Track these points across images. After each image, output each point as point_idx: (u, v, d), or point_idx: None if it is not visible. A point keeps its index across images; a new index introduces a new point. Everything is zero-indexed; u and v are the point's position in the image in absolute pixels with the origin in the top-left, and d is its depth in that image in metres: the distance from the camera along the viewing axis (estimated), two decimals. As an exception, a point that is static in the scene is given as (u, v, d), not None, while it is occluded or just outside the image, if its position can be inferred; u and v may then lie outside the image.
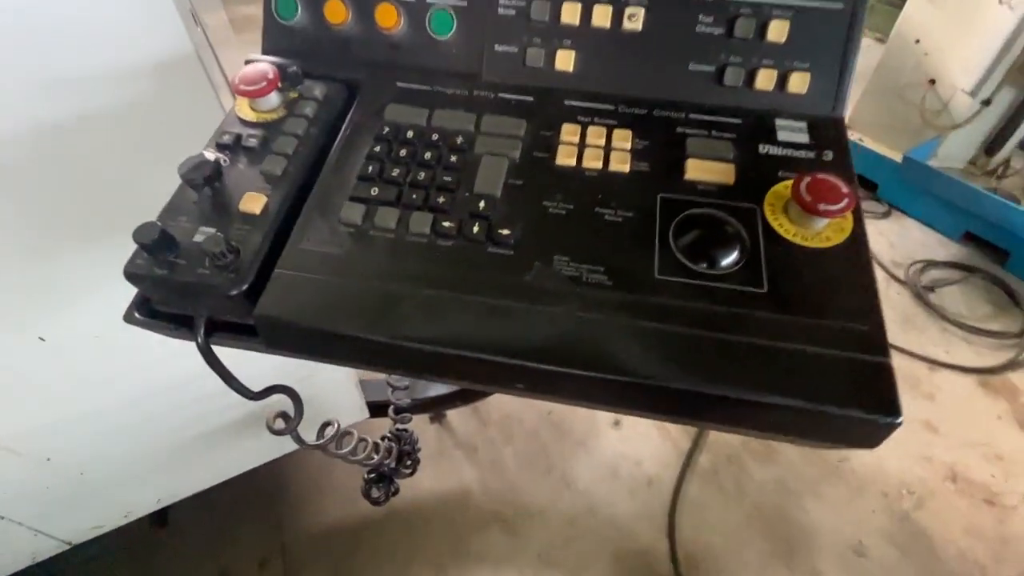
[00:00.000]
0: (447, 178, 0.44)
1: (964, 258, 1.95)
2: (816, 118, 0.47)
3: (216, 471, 1.11)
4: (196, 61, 0.65)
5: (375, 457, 0.79)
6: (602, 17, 0.48)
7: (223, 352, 0.43)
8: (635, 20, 0.48)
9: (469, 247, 0.41)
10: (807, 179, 0.40)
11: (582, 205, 0.43)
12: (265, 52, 0.55)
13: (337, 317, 0.38)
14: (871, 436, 0.35)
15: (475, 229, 0.41)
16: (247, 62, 0.54)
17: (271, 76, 0.48)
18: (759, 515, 1.31)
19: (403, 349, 0.37)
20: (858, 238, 0.40)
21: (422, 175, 0.44)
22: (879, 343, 0.36)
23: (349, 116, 0.49)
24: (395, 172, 0.45)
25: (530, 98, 0.50)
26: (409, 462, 0.93)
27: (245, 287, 0.39)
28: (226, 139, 0.47)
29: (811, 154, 0.45)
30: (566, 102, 0.49)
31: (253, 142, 0.46)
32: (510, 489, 1.36)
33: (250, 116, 0.49)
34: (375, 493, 0.87)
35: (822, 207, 0.39)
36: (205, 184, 0.43)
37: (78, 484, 0.95)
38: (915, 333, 1.76)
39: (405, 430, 0.93)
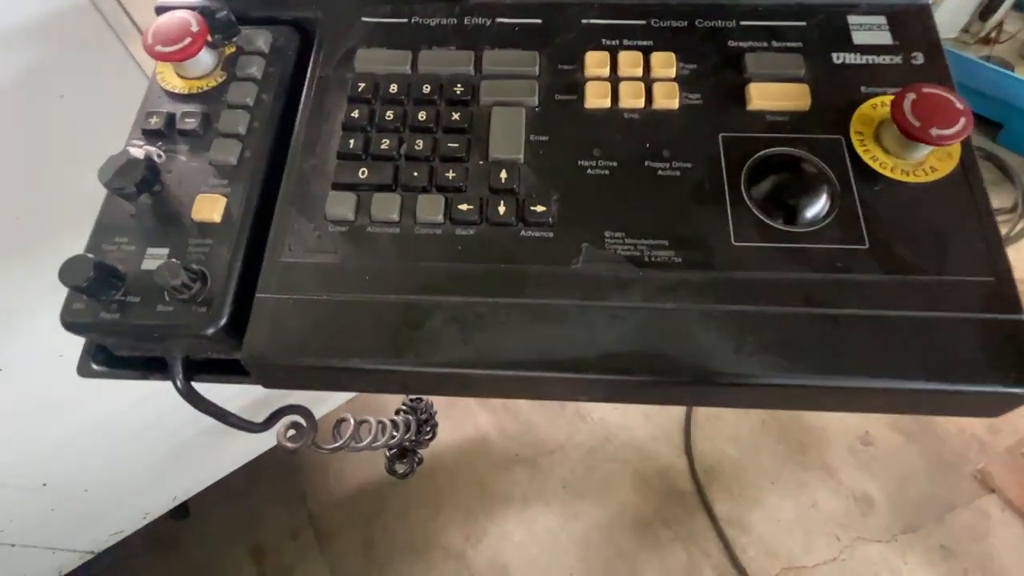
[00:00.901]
0: (453, 144, 0.34)
1: (956, 135, 1.89)
2: (895, 8, 0.38)
3: (228, 460, 1.06)
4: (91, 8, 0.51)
5: (396, 436, 0.75)
6: None
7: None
8: None
9: (497, 233, 0.32)
10: (911, 96, 0.32)
11: (628, 159, 0.34)
12: (179, -10, 0.42)
13: (349, 348, 0.30)
14: (1002, 406, 0.30)
15: (501, 209, 0.33)
16: (158, 9, 0.41)
17: (196, 28, 0.36)
18: (771, 421, 1.34)
19: (438, 375, 0.30)
20: (969, 166, 0.33)
21: (420, 143, 0.34)
22: (1010, 297, 0.30)
23: (309, 71, 0.38)
24: (384, 143, 0.35)
25: (537, 20, 0.39)
26: (428, 428, 0.89)
27: (222, 323, 0.31)
28: (154, 123, 0.36)
29: (897, 59, 0.36)
30: (583, 20, 0.39)
31: (191, 123, 0.35)
32: (527, 430, 1.36)
33: (179, 86, 0.37)
34: (400, 468, 0.84)
35: (935, 132, 0.31)
36: (140, 191, 0.33)
37: (84, 501, 0.90)
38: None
39: (419, 398, 0.88)
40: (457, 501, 1.28)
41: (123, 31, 0.57)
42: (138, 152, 0.33)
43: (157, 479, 0.98)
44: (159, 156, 0.34)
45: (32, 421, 0.76)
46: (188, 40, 0.35)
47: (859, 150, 0.34)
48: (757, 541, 1.20)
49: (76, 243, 0.33)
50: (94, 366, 0.34)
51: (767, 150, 0.34)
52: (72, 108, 0.56)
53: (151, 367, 0.34)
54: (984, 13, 1.90)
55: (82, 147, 0.58)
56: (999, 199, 1.77)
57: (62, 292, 0.32)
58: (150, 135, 0.36)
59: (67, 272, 0.29)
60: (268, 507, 1.29)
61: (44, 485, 0.82)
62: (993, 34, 1.93)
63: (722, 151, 0.34)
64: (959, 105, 0.31)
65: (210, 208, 0.33)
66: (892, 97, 0.35)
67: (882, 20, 0.38)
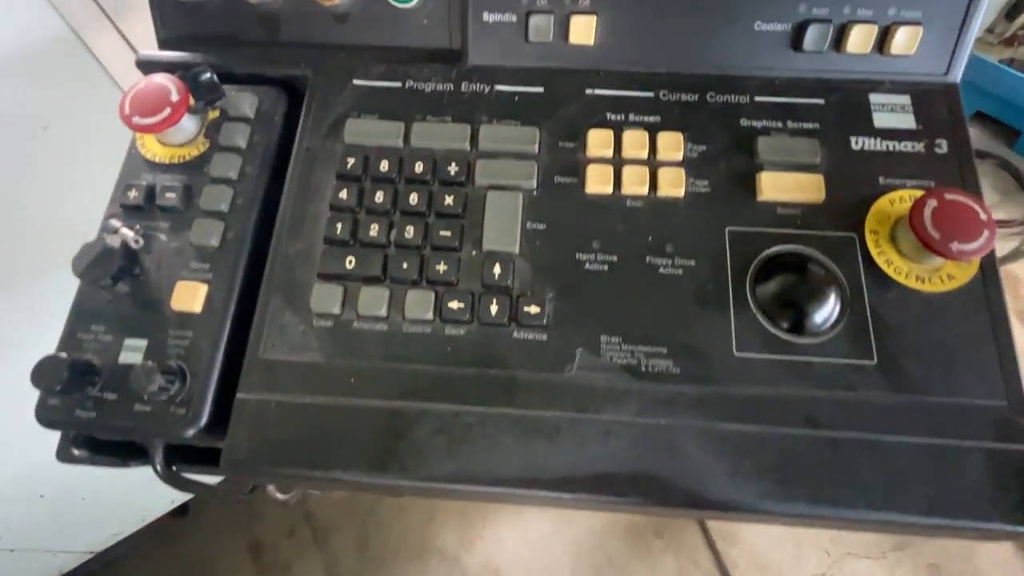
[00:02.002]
0: (445, 231, 0.33)
1: (973, 140, 1.84)
2: (921, 86, 0.36)
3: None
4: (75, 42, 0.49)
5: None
6: (634, -37, 0.34)
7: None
8: (682, -36, 0.33)
9: (489, 334, 0.31)
10: (932, 203, 0.30)
11: (628, 253, 0.32)
12: (162, 44, 0.40)
13: (331, 459, 0.29)
14: (1007, 538, 0.29)
15: (493, 308, 0.31)
16: (139, 65, 0.39)
17: (176, 97, 0.33)
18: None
19: (424, 489, 0.29)
20: (989, 275, 0.31)
21: (411, 230, 0.33)
22: (1021, 426, 0.28)
23: (297, 141, 0.36)
24: (374, 229, 0.33)
25: (539, 88, 0.36)
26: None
27: (202, 424, 0.30)
28: (133, 197, 0.34)
29: (920, 146, 0.34)
30: (588, 91, 0.36)
31: (172, 198, 0.34)
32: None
33: (159, 154, 0.36)
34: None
35: (956, 247, 0.29)
36: (116, 281, 0.31)
37: (81, 507, 0.91)
38: (920, 229, 1.71)
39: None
40: (452, 505, 1.29)
41: (108, 60, 0.54)
42: (114, 239, 0.31)
43: (154, 483, 0.99)
44: (136, 242, 0.32)
45: (28, 435, 0.76)
46: (167, 111, 0.33)
47: (873, 252, 0.32)
48: (747, 553, 1.21)
49: (62, 276, 0.31)
50: (74, 451, 0.33)
51: (775, 248, 0.32)
52: (57, 140, 0.55)
53: (132, 454, 0.34)
54: (1011, 12, 1.83)
55: (68, 178, 0.56)
56: (1012, 210, 1.73)
57: (49, 322, 0.31)
58: (129, 211, 0.34)
59: (40, 375, 0.28)
60: (266, 504, 1.31)
61: (42, 496, 0.83)
62: (1020, 33, 1.86)
63: (728, 247, 0.32)
64: (983, 216, 0.30)
65: (190, 297, 0.32)
66: (911, 192, 0.33)
67: (906, 100, 0.35)
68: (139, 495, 0.99)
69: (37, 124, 0.53)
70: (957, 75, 0.36)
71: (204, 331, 0.31)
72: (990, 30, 1.93)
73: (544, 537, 1.27)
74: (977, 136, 1.87)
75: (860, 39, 0.35)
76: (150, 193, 0.34)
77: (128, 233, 0.32)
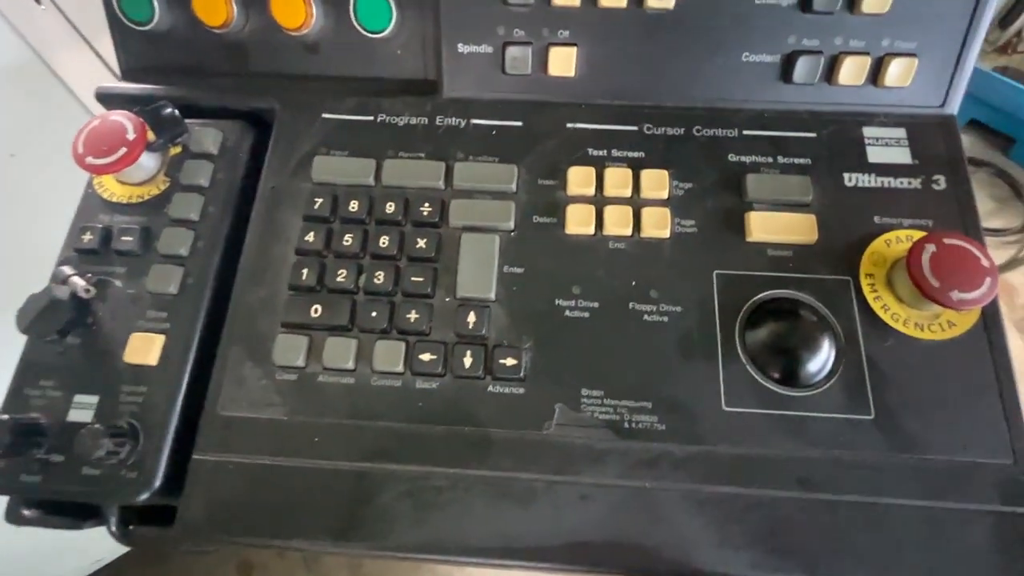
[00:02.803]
0: (417, 277, 0.31)
1: (968, 148, 1.83)
2: (917, 119, 0.34)
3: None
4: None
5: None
6: (615, -7, 0.32)
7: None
8: (665, -6, 0.32)
9: (462, 387, 0.29)
10: (930, 249, 0.28)
11: (611, 299, 0.31)
12: (124, 73, 0.38)
13: (292, 527, 0.27)
14: (1013, 606, 0.27)
15: (467, 360, 0.29)
16: (98, 98, 0.37)
17: (132, 135, 0.32)
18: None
19: (390, 556, 0.27)
20: (991, 322, 0.29)
21: (380, 275, 0.31)
22: (1029, 486, 0.27)
23: (262, 179, 0.34)
24: (341, 275, 0.31)
25: (517, 122, 0.35)
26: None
27: (155, 487, 0.28)
28: (87, 241, 0.32)
29: (916, 183, 0.33)
30: (569, 124, 0.35)
31: (129, 241, 0.32)
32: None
33: (117, 194, 0.34)
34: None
35: (956, 296, 0.27)
36: (65, 334, 0.29)
37: (63, 534, 0.88)
38: (917, 237, 1.69)
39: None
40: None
41: (75, 85, 0.53)
42: (62, 291, 0.29)
43: (139, 508, 0.97)
44: (88, 291, 0.30)
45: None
46: (123, 151, 0.31)
47: (869, 297, 0.30)
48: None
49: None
50: (24, 512, 0.31)
51: (765, 293, 0.30)
52: (25, 167, 0.53)
53: (86, 514, 0.32)
54: (1004, 21, 1.82)
55: (36, 205, 0.54)
56: (1007, 218, 1.72)
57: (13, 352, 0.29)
58: (84, 255, 0.32)
59: (-22, 439, 0.26)
60: (255, 526, 1.28)
61: (19, 526, 0.81)
62: (1013, 42, 1.86)
63: (716, 292, 0.31)
64: (984, 262, 0.28)
65: (146, 349, 0.30)
66: (908, 232, 0.31)
67: (901, 133, 0.34)
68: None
69: (3, 151, 0.52)
70: (954, 107, 0.34)
71: (159, 386, 0.29)
72: (985, 39, 1.92)
73: (539, 556, 1.24)
74: (972, 144, 1.86)
75: (853, 71, 0.33)
76: (106, 236, 0.32)
77: (78, 283, 0.30)
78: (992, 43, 1.93)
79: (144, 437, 0.28)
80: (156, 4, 0.35)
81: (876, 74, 0.33)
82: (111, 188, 0.34)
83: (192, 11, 0.35)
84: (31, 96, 0.51)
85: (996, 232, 1.66)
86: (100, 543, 0.98)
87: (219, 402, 0.29)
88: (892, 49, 0.33)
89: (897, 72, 0.33)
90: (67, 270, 0.30)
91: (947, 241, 0.28)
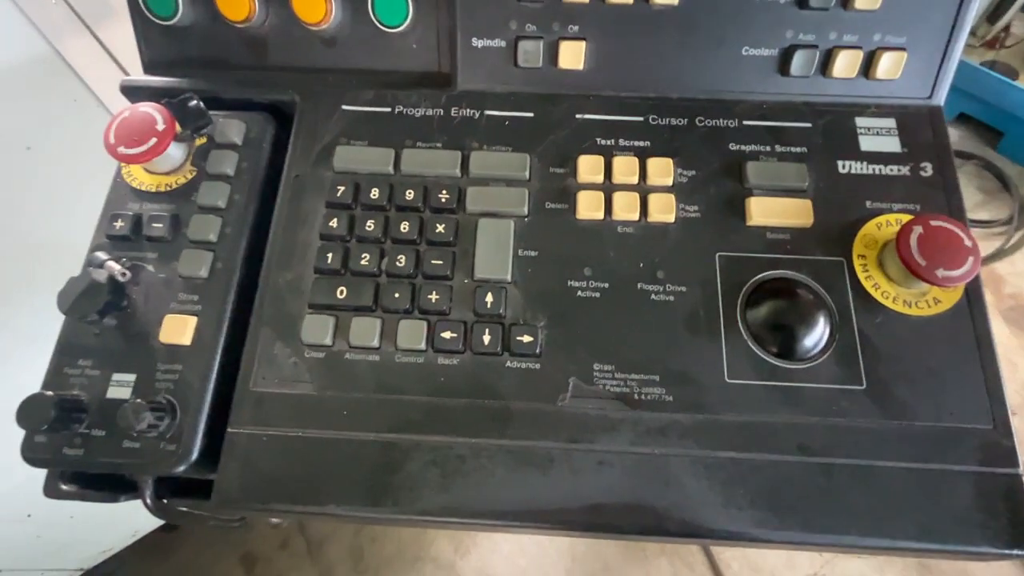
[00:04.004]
0: (437, 260, 0.33)
1: (957, 142, 1.87)
2: (907, 109, 0.36)
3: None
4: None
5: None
6: (623, -10, 0.34)
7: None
8: (670, -9, 0.34)
9: (481, 363, 0.31)
10: (918, 230, 0.30)
11: (620, 280, 0.33)
12: (147, 67, 0.40)
13: (324, 494, 0.29)
14: (997, 559, 0.29)
15: (486, 337, 0.31)
16: (123, 91, 0.38)
17: (162, 127, 0.33)
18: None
19: (418, 522, 0.29)
20: (974, 298, 0.32)
21: (402, 258, 0.33)
22: (1007, 448, 0.29)
23: (286, 168, 0.36)
24: (364, 258, 0.33)
25: (529, 113, 0.37)
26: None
27: (192, 460, 0.29)
28: (119, 228, 0.33)
29: (905, 170, 0.35)
30: (578, 115, 0.36)
31: (159, 228, 0.33)
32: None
33: (146, 183, 0.35)
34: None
35: (941, 273, 0.29)
36: (103, 315, 0.31)
37: (70, 525, 0.90)
38: (906, 230, 1.73)
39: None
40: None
41: (90, 78, 0.54)
42: (100, 274, 0.31)
43: (144, 499, 0.98)
44: (123, 275, 0.32)
45: (13, 455, 0.75)
46: (154, 140, 0.33)
47: (860, 276, 0.32)
48: (741, 556, 1.22)
49: (49, 295, 0.31)
50: (63, 486, 0.33)
51: (764, 274, 0.32)
52: (41, 159, 0.54)
53: (122, 487, 0.33)
54: (992, 15, 1.85)
55: (54, 196, 0.55)
56: (996, 210, 1.76)
57: (36, 340, 0.30)
58: (116, 241, 0.33)
59: (25, 414, 0.28)
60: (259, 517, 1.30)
61: (29, 516, 0.82)
62: (1001, 37, 1.89)
63: (719, 273, 0.33)
64: (967, 242, 0.30)
65: (179, 330, 0.31)
66: (897, 216, 0.33)
67: (891, 123, 0.36)
68: (129, 511, 0.98)
69: (19, 144, 0.52)
70: (941, 98, 0.36)
71: (193, 365, 0.31)
72: (972, 32, 1.96)
73: (539, 543, 1.27)
74: (960, 137, 1.90)
75: (846, 64, 0.35)
76: (136, 223, 0.34)
77: (115, 266, 0.31)
78: (980, 38, 1.96)
79: (180, 412, 0.30)
80: (180, 1, 0.37)
81: (868, 67, 0.35)
82: (140, 177, 0.35)
83: (215, 6, 0.36)
84: (46, 89, 0.52)
85: (984, 224, 1.70)
86: (105, 534, 0.99)
87: (252, 379, 0.31)
88: (883, 44, 0.35)
89: (888, 65, 0.35)
90: (102, 255, 0.32)
91: (933, 223, 0.30)
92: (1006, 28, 1.87)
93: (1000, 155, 1.85)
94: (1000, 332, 1.53)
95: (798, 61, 0.35)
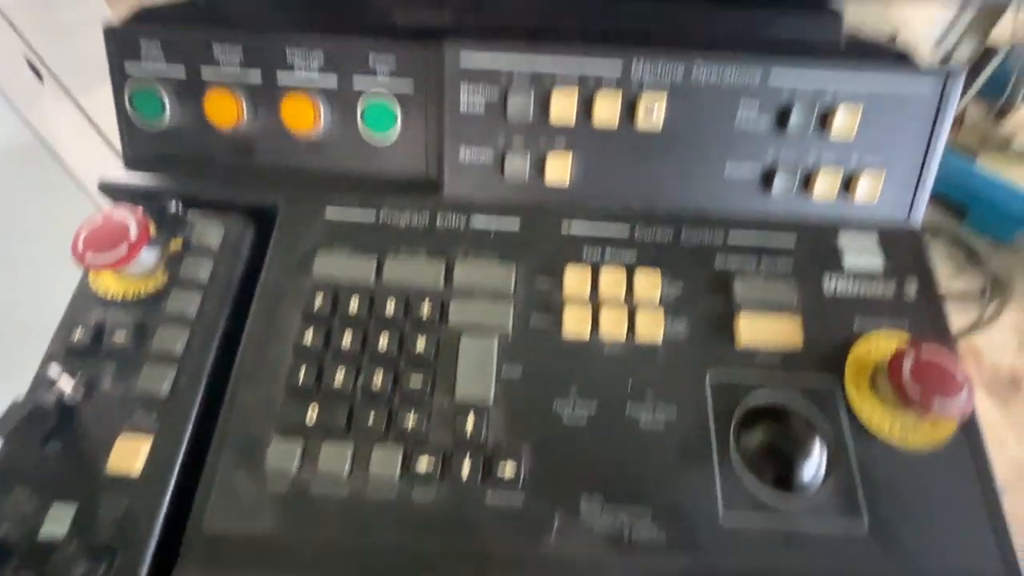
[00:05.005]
0: (415, 380, 0.31)
1: (924, 217, 1.95)
2: (887, 229, 0.37)
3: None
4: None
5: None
6: (608, 112, 0.35)
7: None
8: (654, 115, 0.34)
9: (459, 499, 0.29)
10: (908, 362, 0.30)
11: (608, 404, 0.31)
12: (128, 162, 0.39)
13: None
14: None
15: (465, 468, 0.29)
16: (102, 189, 0.38)
17: (135, 233, 0.32)
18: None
19: None
20: (971, 428, 0.31)
21: (379, 378, 0.31)
22: (1018, 597, 0.27)
23: (263, 274, 0.34)
24: (339, 377, 0.31)
25: (515, 223, 0.36)
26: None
27: (130, 615, 0.26)
28: (78, 338, 0.31)
29: (890, 289, 0.35)
30: (564, 226, 0.36)
31: (121, 339, 0.31)
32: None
33: (112, 289, 0.33)
34: None
35: (936, 404, 0.29)
36: (47, 441, 0.28)
37: None
38: (884, 302, 1.76)
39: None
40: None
41: (74, 166, 0.53)
42: (47, 397, 0.28)
43: None
44: (74, 395, 0.29)
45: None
46: (124, 248, 0.31)
47: (855, 404, 0.31)
48: None
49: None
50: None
51: (756, 399, 0.31)
52: (18, 243, 0.52)
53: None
54: (948, 103, 1.99)
55: (30, 278, 0.53)
56: (966, 282, 1.80)
57: None
58: (72, 353, 0.31)
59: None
60: None
61: None
62: (958, 122, 2.02)
63: (710, 397, 0.31)
64: (959, 376, 0.29)
65: (130, 456, 0.29)
66: (887, 336, 0.33)
67: (874, 241, 0.36)
68: None
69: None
70: (918, 220, 0.37)
71: (143, 496, 0.28)
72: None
73: None
74: (929, 212, 1.98)
75: (826, 186, 0.36)
76: (98, 333, 0.32)
77: (66, 386, 0.29)
78: (938, 123, 2.09)
79: (123, 553, 0.27)
80: (167, 104, 0.37)
81: (847, 189, 0.36)
82: (107, 282, 0.34)
83: (202, 111, 0.36)
84: (25, 174, 0.51)
85: (958, 296, 1.74)
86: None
87: (206, 516, 0.28)
88: (860, 169, 0.36)
89: (866, 188, 0.36)
90: (54, 371, 0.30)
91: (924, 353, 0.30)
92: (962, 113, 2.01)
93: (968, 229, 1.93)
94: (985, 407, 1.53)
95: (779, 182, 0.36)
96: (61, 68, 0.55)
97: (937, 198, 2.09)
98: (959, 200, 2.06)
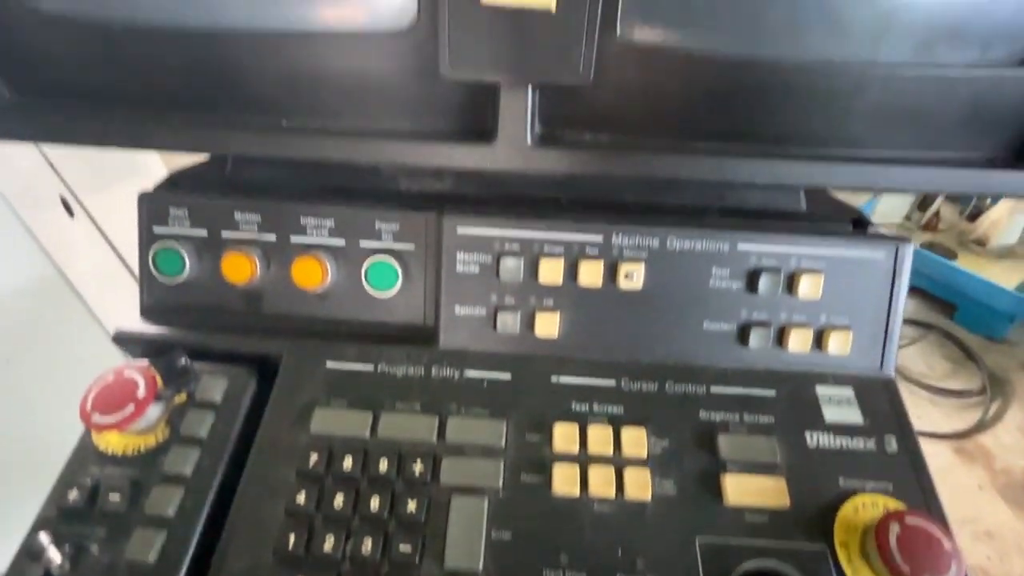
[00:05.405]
0: (405, 545, 0.31)
1: (914, 312, 1.98)
2: (862, 380, 0.38)
3: None
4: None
5: None
6: (592, 276, 0.38)
7: None
8: (633, 279, 0.38)
9: None
10: (894, 532, 0.30)
11: (598, 569, 0.31)
12: (144, 312, 0.42)
13: None
14: None
15: (452, 646, 0.28)
16: (116, 340, 0.40)
17: (143, 393, 0.33)
18: None
19: None
20: (967, 600, 0.30)
21: (368, 543, 0.31)
22: None
23: (261, 429, 0.36)
24: (328, 542, 0.31)
25: (506, 375, 0.38)
26: None
27: None
28: (73, 499, 0.32)
29: (870, 443, 0.36)
30: (553, 378, 0.38)
31: (116, 501, 0.32)
32: None
33: (114, 446, 0.34)
34: None
35: (927, 581, 0.28)
36: (26, 621, 0.28)
37: None
38: (886, 400, 1.74)
39: None
40: None
41: (94, 304, 0.56)
42: (33, 568, 0.28)
43: None
44: (62, 567, 0.29)
45: None
46: (131, 408, 0.33)
47: (847, 570, 0.31)
48: None
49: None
50: None
51: (747, 566, 0.31)
52: (19, 370, 0.53)
53: None
54: (923, 203, 2.11)
55: (33, 410, 0.54)
56: (965, 380, 1.80)
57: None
58: (65, 519, 0.32)
59: None
60: None
61: None
62: (934, 221, 2.12)
63: (700, 562, 0.31)
64: (947, 545, 0.30)
65: (109, 635, 0.28)
66: (872, 498, 0.33)
67: (850, 393, 0.38)
68: None
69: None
70: (890, 370, 0.39)
71: None
72: (908, 218, 2.20)
73: None
74: (917, 308, 2.02)
75: (799, 340, 0.38)
76: (93, 493, 0.32)
77: (54, 559, 0.29)
78: (916, 223, 2.20)
79: None
80: (188, 262, 0.40)
81: (820, 343, 0.38)
82: (108, 437, 0.35)
83: (219, 269, 0.40)
84: (41, 305, 0.54)
85: (958, 394, 1.73)
86: None
87: None
88: (829, 324, 0.38)
89: (837, 342, 0.38)
90: (43, 540, 0.30)
91: (910, 521, 0.30)
92: (936, 213, 2.12)
93: (957, 325, 1.95)
94: (1002, 514, 1.46)
95: (755, 336, 0.38)
96: (95, 207, 0.60)
97: (926, 295, 2.13)
98: (946, 297, 2.10)
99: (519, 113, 0.32)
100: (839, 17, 0.30)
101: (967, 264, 1.92)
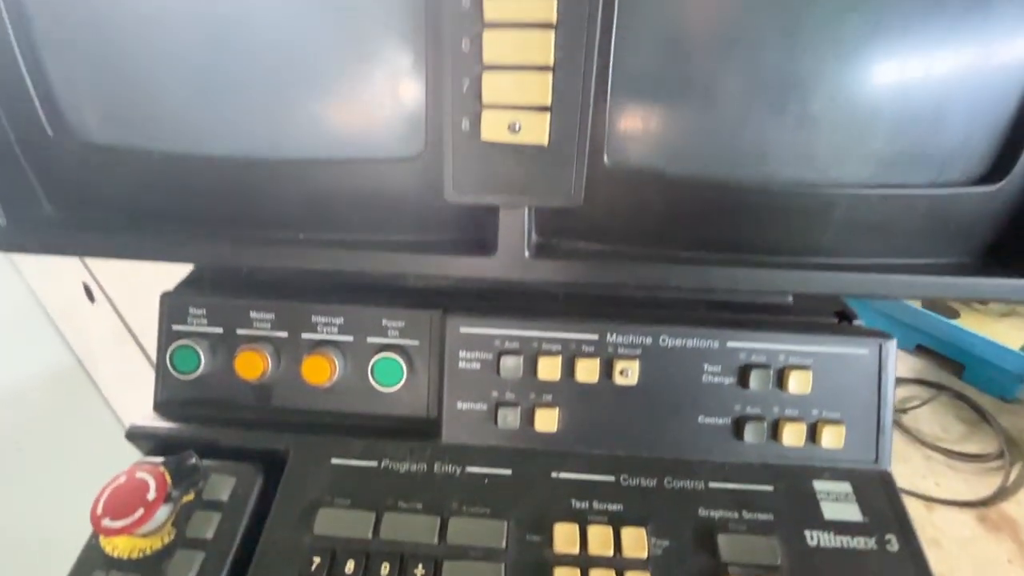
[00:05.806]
0: (404, 661, 0.31)
1: (923, 371, 1.96)
2: (859, 474, 0.39)
3: None
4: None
5: None
6: (588, 373, 0.39)
7: None
8: (628, 375, 0.39)
9: None
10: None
11: None
12: (157, 406, 0.43)
13: None
14: None
15: None
16: (129, 437, 0.41)
17: (152, 496, 0.34)
18: None
19: None
20: None
21: (367, 659, 0.31)
22: None
23: (265, 532, 0.36)
24: (327, 658, 0.31)
25: (507, 471, 0.39)
26: None
27: None
28: (76, 610, 0.32)
29: (871, 542, 0.36)
30: (553, 474, 0.39)
31: (118, 609, 0.32)
32: None
33: (121, 548, 0.35)
34: None
35: None
36: None
37: None
38: (901, 464, 1.68)
39: None
40: None
41: (105, 385, 0.57)
42: None
43: None
44: None
45: None
46: (140, 512, 0.34)
47: None
48: None
49: None
50: None
51: None
52: (30, 459, 0.54)
53: None
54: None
55: (42, 496, 0.54)
56: (982, 442, 1.74)
57: None
58: (66, 627, 0.32)
59: None
60: None
61: None
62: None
63: (705, 677, 0.31)
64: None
65: None
66: (877, 602, 0.33)
67: (848, 488, 0.38)
68: None
69: (11, 444, 0.54)
70: (887, 463, 0.39)
71: None
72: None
73: None
74: (924, 367, 2.00)
75: (793, 434, 0.39)
76: (96, 603, 0.32)
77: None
78: (915, 283, 2.21)
79: None
80: (203, 359, 0.42)
81: (813, 436, 0.39)
82: (115, 541, 0.35)
83: (233, 367, 0.41)
84: (59, 396, 0.55)
85: (976, 458, 1.68)
86: None
87: None
88: (821, 418, 0.39)
89: (830, 436, 0.39)
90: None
91: (913, 630, 0.30)
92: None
93: (967, 384, 1.92)
94: (1036, 591, 1.38)
95: (749, 431, 0.39)
96: (116, 293, 0.63)
97: (934, 354, 2.12)
98: (953, 356, 2.09)
99: (518, 229, 0.34)
100: (805, 144, 0.33)
101: (970, 323, 1.91)
